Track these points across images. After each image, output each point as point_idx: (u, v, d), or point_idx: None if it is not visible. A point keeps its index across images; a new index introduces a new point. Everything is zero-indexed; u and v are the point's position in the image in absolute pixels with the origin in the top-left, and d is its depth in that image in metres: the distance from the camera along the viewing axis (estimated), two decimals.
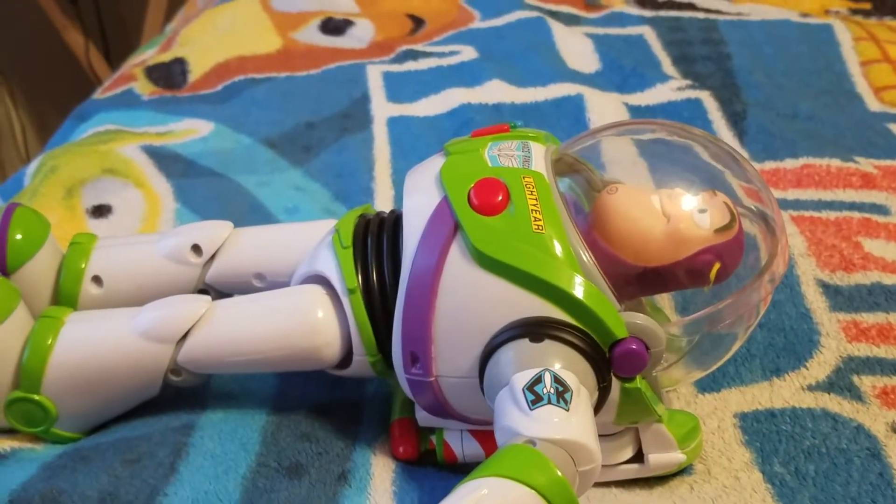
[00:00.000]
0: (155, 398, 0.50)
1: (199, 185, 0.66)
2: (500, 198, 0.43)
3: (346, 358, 0.48)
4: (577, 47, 0.78)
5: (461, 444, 0.48)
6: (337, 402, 0.51)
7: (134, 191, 0.66)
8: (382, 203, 0.64)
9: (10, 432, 0.51)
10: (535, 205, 0.42)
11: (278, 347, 0.47)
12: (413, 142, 0.69)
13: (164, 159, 0.68)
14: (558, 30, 0.80)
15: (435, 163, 0.46)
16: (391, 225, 0.48)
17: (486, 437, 0.47)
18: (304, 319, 0.47)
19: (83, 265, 0.53)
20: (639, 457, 0.46)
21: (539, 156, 0.45)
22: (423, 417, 0.47)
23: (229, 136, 0.70)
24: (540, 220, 0.42)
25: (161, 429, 0.49)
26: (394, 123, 0.71)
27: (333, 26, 0.83)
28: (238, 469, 0.46)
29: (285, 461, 0.47)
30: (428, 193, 0.45)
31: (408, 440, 0.49)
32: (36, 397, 0.49)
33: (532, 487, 0.36)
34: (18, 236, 0.52)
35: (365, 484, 0.46)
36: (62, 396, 0.49)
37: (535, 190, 0.43)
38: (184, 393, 0.51)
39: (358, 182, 0.66)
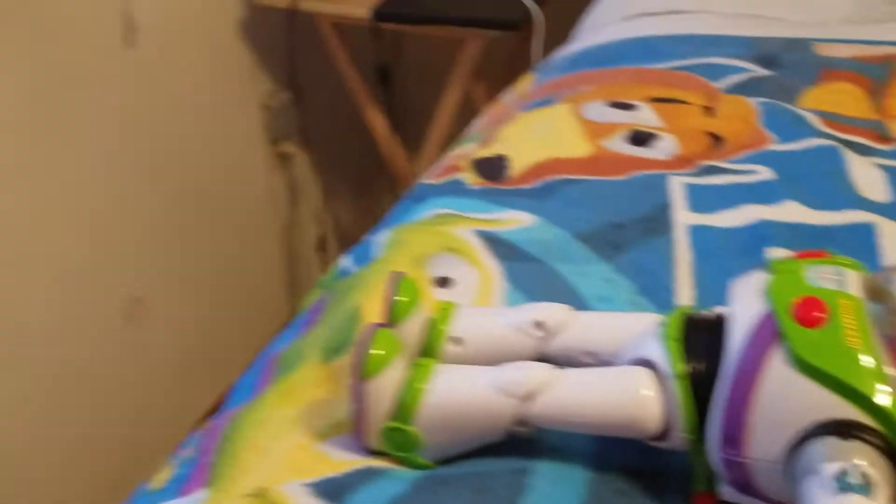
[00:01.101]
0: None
1: (525, 269, 0.77)
2: (819, 314, 0.51)
3: (664, 432, 0.57)
4: (869, 177, 0.84)
5: None
6: (646, 468, 0.61)
7: (470, 268, 0.78)
8: (684, 301, 0.73)
9: (379, 454, 0.64)
10: (850, 323, 0.51)
11: (608, 416, 0.58)
12: (713, 249, 0.77)
13: (494, 243, 0.81)
14: (851, 159, 0.87)
15: (760, 277, 0.56)
16: (714, 324, 0.57)
17: None
18: (634, 395, 0.57)
19: (445, 327, 0.66)
20: None
21: (853, 281, 0.54)
22: (728, 492, 0.56)
23: (548, 228, 0.82)
24: (854, 336, 0.50)
25: (502, 469, 0.60)
26: (694, 231, 0.80)
27: (639, 138, 0.94)
28: None
29: None
30: (754, 303, 0.54)
31: None
32: (408, 428, 0.62)
33: None
34: (402, 298, 0.65)
35: None
36: (428, 430, 0.61)
37: (850, 310, 0.51)
38: (516, 441, 0.62)
39: (661, 280, 0.76)
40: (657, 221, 0.82)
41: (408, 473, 0.62)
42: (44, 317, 1.30)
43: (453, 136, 1.67)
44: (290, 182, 1.89)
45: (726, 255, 0.76)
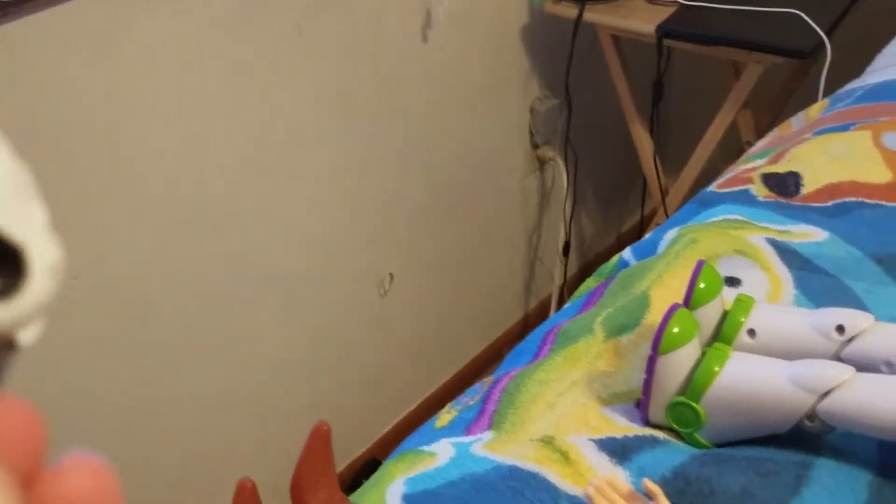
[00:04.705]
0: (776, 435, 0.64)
1: (815, 280, 0.79)
2: None
3: None
4: None
5: None
6: None
7: (760, 272, 0.81)
8: None
9: (658, 427, 0.68)
10: None
11: None
12: None
13: (784, 252, 0.82)
14: None
15: None
16: None
17: None
18: None
19: (743, 319, 0.69)
20: None
21: None
22: None
23: (841, 245, 0.83)
24: None
25: (784, 459, 0.63)
26: None
27: None
28: None
29: None
30: None
31: None
32: (695, 405, 0.65)
33: None
34: (702, 285, 0.69)
35: None
36: (714, 411, 0.65)
37: None
38: (800, 437, 0.64)
39: None
40: None
41: (686, 447, 0.65)
42: (311, 283, 1.41)
43: (714, 160, 1.67)
44: (544, 185, 1.94)
45: None
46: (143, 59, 1.00)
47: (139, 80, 1.00)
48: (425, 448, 0.71)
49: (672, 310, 0.66)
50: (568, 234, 2.01)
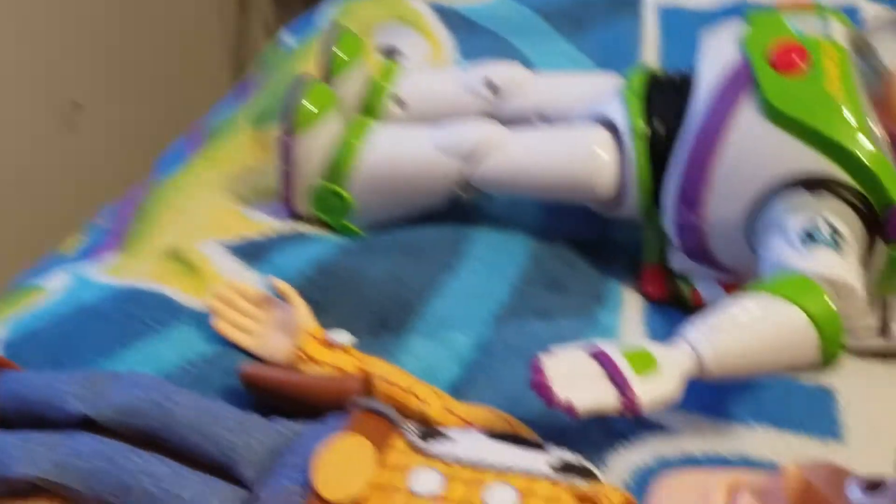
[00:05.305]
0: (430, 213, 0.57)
1: (480, 43, 0.71)
2: (799, 60, 0.46)
3: (616, 199, 0.52)
4: None
5: (710, 293, 0.51)
6: (592, 241, 0.56)
7: (420, 39, 0.72)
8: None
9: (307, 221, 0.59)
10: (833, 71, 0.45)
11: (560, 175, 0.52)
12: (682, 29, 0.71)
13: (448, 16, 0.74)
14: None
15: (734, 26, 0.50)
16: (680, 83, 0.52)
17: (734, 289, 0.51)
18: (587, 153, 0.52)
19: (388, 85, 0.60)
20: (884, 330, 0.49)
21: (838, 32, 0.48)
22: (680, 261, 0.51)
23: (510, 5, 0.76)
24: (836, 85, 0.45)
25: (438, 236, 0.55)
26: (663, 11, 0.74)
27: None
28: (507, 276, 0.52)
29: (548, 278, 0.53)
30: (726, 51, 0.49)
31: (657, 283, 0.53)
32: (339, 189, 0.56)
33: (804, 311, 0.39)
34: (339, 52, 0.59)
35: (617, 305, 0.51)
36: (360, 192, 0.56)
37: (834, 58, 0.46)
38: (456, 213, 0.57)
39: (625, 58, 0.70)
40: (626, 2, 0.76)
41: (335, 238, 0.57)
42: None
43: None
44: None
45: (696, 35, 0.70)
46: None
47: None
48: (37, 282, 0.59)
49: (301, 82, 0.56)
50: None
